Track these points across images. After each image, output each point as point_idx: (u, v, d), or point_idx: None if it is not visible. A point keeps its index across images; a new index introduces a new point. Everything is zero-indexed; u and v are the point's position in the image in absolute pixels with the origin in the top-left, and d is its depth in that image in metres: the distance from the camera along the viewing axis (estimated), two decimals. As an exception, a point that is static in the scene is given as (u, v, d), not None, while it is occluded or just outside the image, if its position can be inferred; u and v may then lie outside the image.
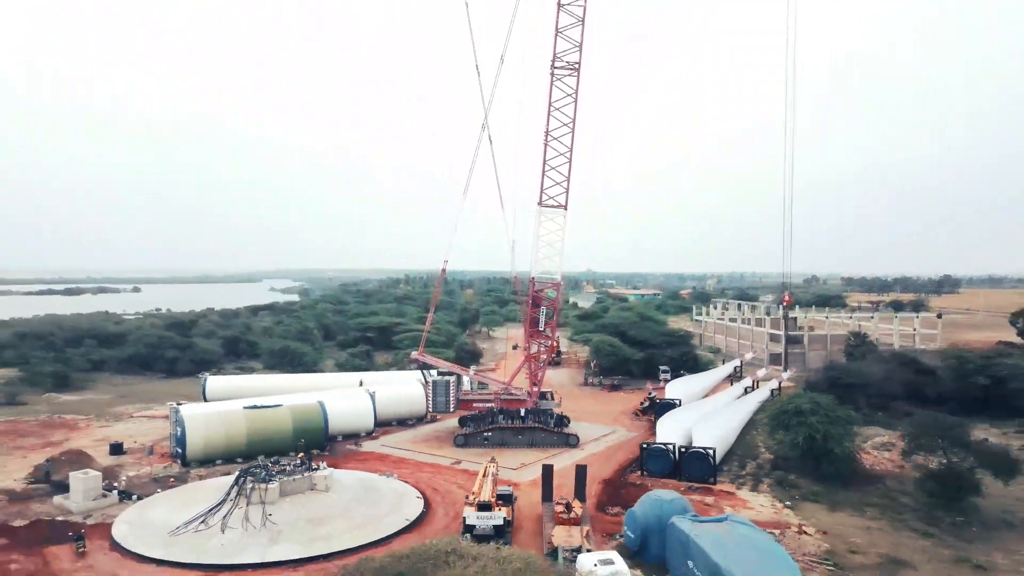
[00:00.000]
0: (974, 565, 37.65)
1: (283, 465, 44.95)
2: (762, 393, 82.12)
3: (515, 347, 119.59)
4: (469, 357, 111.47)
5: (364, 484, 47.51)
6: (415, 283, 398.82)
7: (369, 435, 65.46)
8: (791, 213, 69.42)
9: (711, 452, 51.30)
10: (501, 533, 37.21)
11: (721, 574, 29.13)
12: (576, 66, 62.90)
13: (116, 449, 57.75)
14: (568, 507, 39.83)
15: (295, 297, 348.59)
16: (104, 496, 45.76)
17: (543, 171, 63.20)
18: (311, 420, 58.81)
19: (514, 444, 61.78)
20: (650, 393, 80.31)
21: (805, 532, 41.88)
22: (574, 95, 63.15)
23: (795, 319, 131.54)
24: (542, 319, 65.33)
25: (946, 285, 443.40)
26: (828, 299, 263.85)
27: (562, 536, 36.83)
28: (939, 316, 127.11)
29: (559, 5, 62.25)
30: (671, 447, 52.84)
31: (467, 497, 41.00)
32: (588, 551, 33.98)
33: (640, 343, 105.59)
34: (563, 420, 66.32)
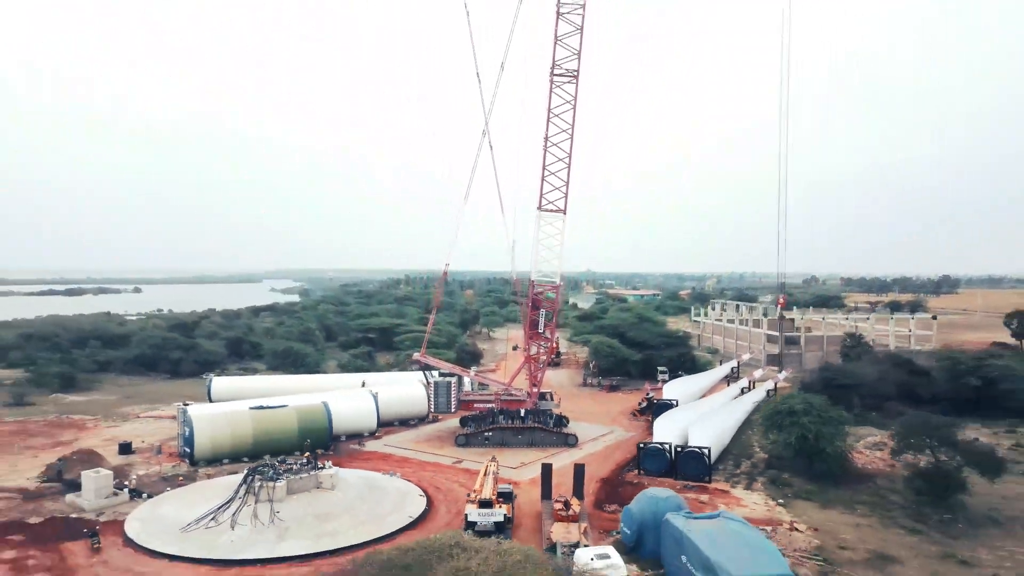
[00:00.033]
0: (959, 561, 38.90)
1: (290, 464, 46.25)
2: (758, 394, 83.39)
3: (515, 348, 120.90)
4: (470, 358, 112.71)
5: (368, 483, 48.78)
6: (415, 284, 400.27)
7: (372, 435, 66.75)
8: (786, 218, 70.97)
9: (706, 451, 52.59)
10: (502, 529, 38.48)
11: (712, 567, 30.44)
12: (575, 73, 64.21)
13: (125, 449, 59.03)
14: (567, 505, 41.10)
15: (296, 298, 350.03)
16: (115, 494, 47.04)
17: (542, 176, 64.50)
18: (316, 420, 60.12)
19: (514, 444, 63.04)
20: (648, 394, 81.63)
21: (796, 529, 43.17)
22: (573, 102, 64.46)
23: (792, 320, 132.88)
24: (541, 321, 66.62)
25: (945, 286, 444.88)
26: (827, 300, 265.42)
27: (561, 532, 38.08)
28: (934, 317, 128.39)
29: (558, 14, 63.57)
30: (667, 447, 54.12)
31: (469, 495, 42.30)
32: (586, 546, 35.27)
33: (638, 344, 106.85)
34: (562, 420, 67.58)
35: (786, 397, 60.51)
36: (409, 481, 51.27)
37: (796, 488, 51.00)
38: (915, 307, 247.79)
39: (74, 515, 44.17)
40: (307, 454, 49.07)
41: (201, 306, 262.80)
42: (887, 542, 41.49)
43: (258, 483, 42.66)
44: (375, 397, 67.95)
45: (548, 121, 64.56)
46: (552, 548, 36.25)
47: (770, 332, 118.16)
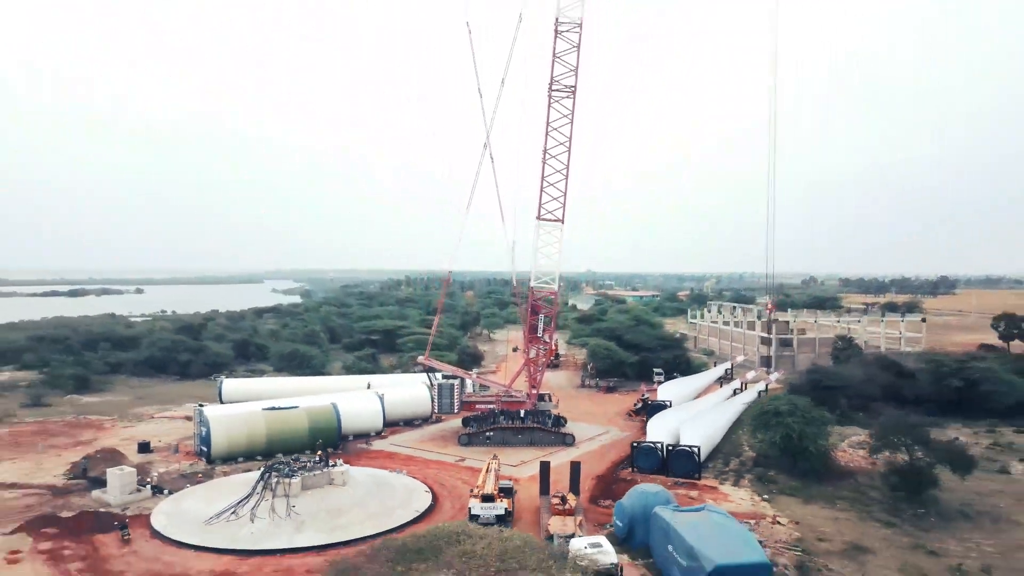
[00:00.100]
0: (928, 551, 41.86)
1: (303, 462, 49.19)
2: (750, 394, 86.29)
3: (515, 349, 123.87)
4: (471, 360, 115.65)
5: (376, 480, 51.72)
6: (416, 285, 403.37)
7: (378, 435, 69.67)
8: (774, 226, 73.66)
9: (696, 450, 55.54)
10: (503, 522, 41.41)
11: (695, 555, 33.41)
12: (572, 89, 67.11)
13: (144, 448, 61.99)
14: (563, 500, 44.07)
15: (297, 299, 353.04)
16: (138, 491, 49.94)
17: (541, 188, 67.40)
18: (326, 421, 63.07)
19: (514, 443, 65.93)
20: (643, 395, 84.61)
21: (779, 522, 46.13)
22: (571, 116, 67.36)
23: (787, 322, 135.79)
24: (540, 326, 69.54)
25: (942, 286, 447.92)
26: (823, 301, 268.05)
27: (557, 525, 40.97)
28: (923, 320, 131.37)
29: (556, 32, 66.46)
30: (659, 446, 57.05)
31: (472, 490, 45.29)
32: (580, 537, 38.19)
33: (635, 346, 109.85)
34: (560, 420, 70.49)
35: (772, 398, 63.51)
36: (415, 478, 54.20)
37: (781, 485, 53.92)
38: (911, 308, 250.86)
39: (102, 510, 47.09)
40: (319, 452, 51.99)
41: (204, 307, 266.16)
42: (863, 534, 44.44)
43: (275, 479, 45.57)
44: (381, 398, 70.88)
45: (547, 135, 67.46)
46: (549, 539, 39.14)
47: (763, 334, 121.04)
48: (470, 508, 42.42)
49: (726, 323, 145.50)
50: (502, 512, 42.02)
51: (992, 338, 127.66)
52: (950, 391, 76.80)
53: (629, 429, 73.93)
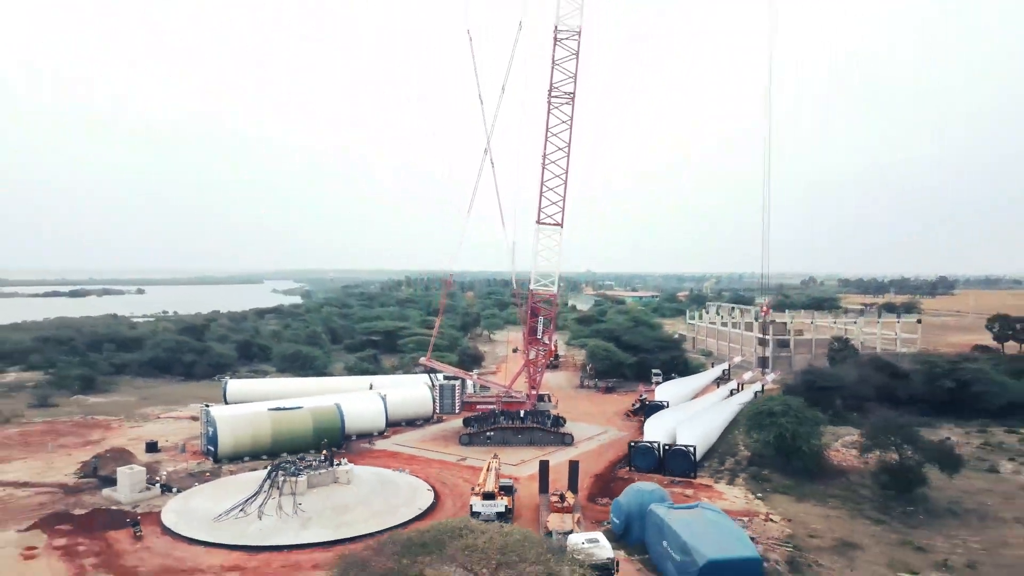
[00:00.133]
0: (915, 547, 43.19)
1: (309, 461, 50.53)
2: (746, 395, 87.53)
3: (515, 350, 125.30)
4: (471, 361, 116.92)
5: (380, 478, 53.04)
6: (416, 285, 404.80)
7: (381, 434, 70.98)
8: (769, 232, 74.89)
9: (692, 449, 56.86)
10: (503, 519, 42.68)
11: (688, 550, 34.76)
12: (571, 95, 68.45)
13: (151, 447, 63.26)
14: (562, 497, 45.41)
15: (298, 299, 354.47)
16: (148, 489, 51.27)
17: (541, 192, 68.73)
18: (329, 421, 64.39)
19: (514, 443, 67.23)
20: (641, 395, 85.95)
21: (771, 519, 47.44)
22: (569, 122, 68.72)
23: (784, 323, 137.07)
24: (540, 328, 70.86)
25: (941, 286, 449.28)
26: (822, 301, 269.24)
27: (556, 522, 42.28)
28: (918, 321, 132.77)
29: (555, 40, 67.79)
30: (656, 445, 58.36)
31: (473, 488, 46.65)
32: (578, 534, 39.52)
33: (633, 348, 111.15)
34: (559, 421, 71.82)
35: (767, 399, 64.81)
36: (418, 477, 55.54)
37: (774, 483, 55.24)
38: (909, 309, 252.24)
39: (113, 508, 48.41)
40: (324, 452, 53.32)
41: (205, 308, 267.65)
42: (853, 531, 45.79)
43: (281, 478, 46.89)
44: (384, 399, 72.20)
45: (546, 140, 68.80)
46: (548, 535, 40.43)
47: (760, 335, 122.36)
48: (471, 505, 43.73)
49: (724, 324, 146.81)
50: (502, 509, 43.32)
51: (987, 339, 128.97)
52: (943, 392, 78.07)
53: (627, 429, 75.21)
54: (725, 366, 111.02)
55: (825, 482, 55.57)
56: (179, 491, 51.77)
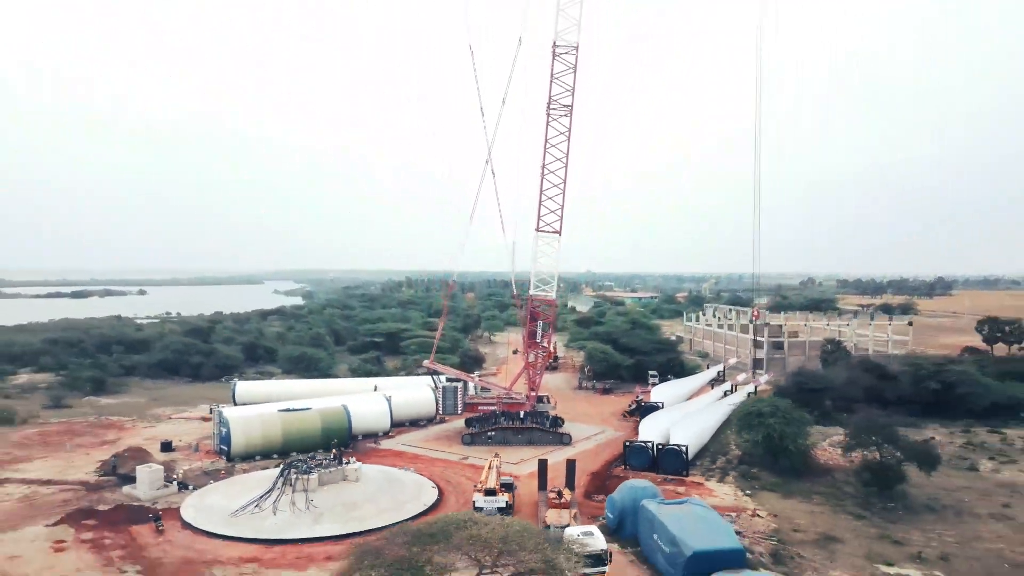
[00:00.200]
0: (893, 541, 45.84)
1: (319, 459, 53.17)
2: (739, 396, 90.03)
3: (515, 352, 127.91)
4: (472, 362, 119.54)
5: (387, 476, 55.68)
6: (417, 286, 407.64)
7: (386, 434, 73.60)
8: (759, 237, 77.52)
9: (684, 449, 59.49)
10: (504, 514, 45.30)
11: (676, 542, 37.39)
12: (569, 108, 71.03)
13: (166, 447, 65.92)
14: (560, 494, 48.12)
15: (299, 300, 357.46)
16: (166, 486, 53.89)
17: (540, 201, 71.34)
18: (337, 421, 67.03)
19: (515, 442, 69.82)
20: (638, 396, 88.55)
21: (758, 515, 50.09)
22: (567, 133, 71.30)
23: (780, 325, 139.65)
24: (539, 332, 73.48)
25: (939, 287, 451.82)
26: (820, 302, 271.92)
27: (554, 517, 44.88)
28: (910, 323, 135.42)
29: (554, 55, 70.37)
30: (650, 444, 60.99)
31: (476, 485, 49.34)
32: (574, 527, 42.14)
33: (630, 350, 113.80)
34: (558, 421, 74.44)
35: (756, 401, 67.43)
36: (422, 475, 58.17)
37: (763, 481, 57.88)
38: (906, 310, 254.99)
39: (134, 504, 51.03)
40: (334, 451, 55.98)
41: (208, 309, 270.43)
42: (835, 526, 48.46)
43: (294, 476, 49.54)
44: (389, 400, 74.83)
45: (545, 151, 71.37)
46: (546, 529, 43.06)
47: (756, 337, 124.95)
48: (474, 501, 46.37)
49: (720, 326, 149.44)
50: (503, 505, 45.95)
51: (979, 341, 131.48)
52: (928, 393, 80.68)
53: (623, 429, 77.80)
54: (720, 367, 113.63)
55: (811, 480, 58.21)
56: (195, 488, 54.39)
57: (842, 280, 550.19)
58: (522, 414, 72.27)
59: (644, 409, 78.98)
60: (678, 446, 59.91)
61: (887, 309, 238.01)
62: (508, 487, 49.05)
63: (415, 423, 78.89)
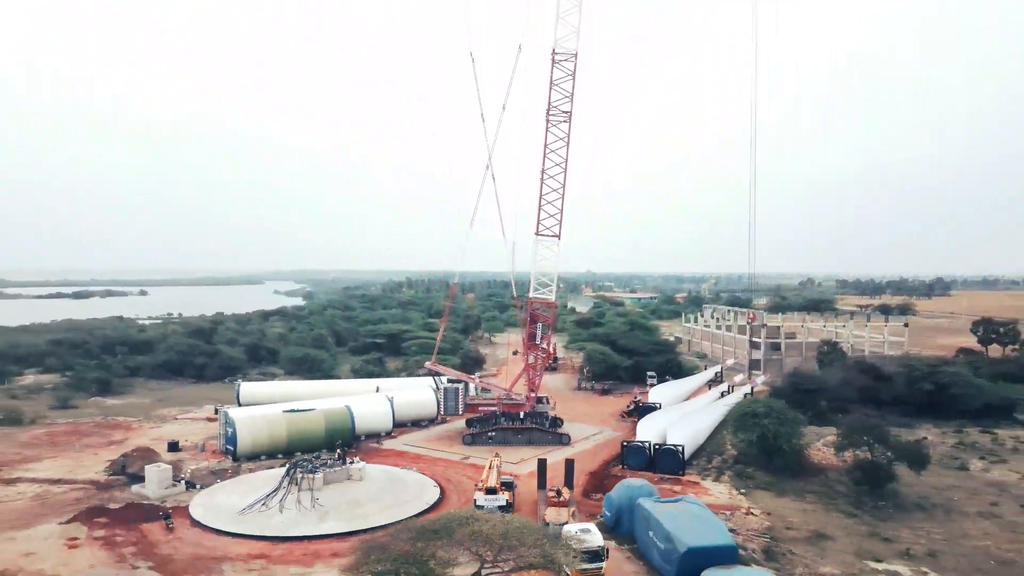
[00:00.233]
0: (882, 538, 47.16)
1: (324, 459, 54.48)
2: (736, 397, 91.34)
3: (515, 353, 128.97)
4: (472, 363, 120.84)
5: (389, 475, 56.97)
6: (418, 287, 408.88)
7: (388, 435, 74.90)
8: (755, 239, 78.87)
9: (680, 448, 60.80)
10: (505, 512, 46.57)
11: (671, 538, 38.72)
12: (568, 114, 72.33)
13: (173, 447, 67.22)
14: (558, 493, 49.44)
15: (300, 300, 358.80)
16: (174, 485, 55.18)
17: (539, 206, 72.61)
18: (341, 422, 68.34)
19: (515, 442, 71.13)
20: (636, 397, 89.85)
21: (752, 513, 51.40)
22: (566, 139, 72.60)
23: (777, 327, 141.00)
24: (538, 334, 74.78)
25: (937, 288, 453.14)
26: (818, 303, 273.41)
27: (553, 515, 46.20)
28: (905, 324, 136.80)
29: (553, 62, 71.68)
30: (647, 444, 62.30)
31: (477, 484, 50.62)
32: (572, 524, 43.46)
33: (629, 351, 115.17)
34: (557, 421, 75.75)
35: (752, 401, 68.74)
36: (424, 474, 59.46)
37: (757, 480, 59.17)
38: (904, 310, 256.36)
39: (144, 502, 52.33)
40: (339, 451, 57.31)
41: (209, 309, 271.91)
42: (827, 524, 49.76)
43: (300, 475, 50.85)
44: (391, 401, 76.14)
45: (544, 156, 72.66)
46: (546, 526, 44.40)
47: (754, 339, 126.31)
48: (475, 499, 47.68)
49: (718, 327, 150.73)
50: (504, 503, 47.25)
51: (975, 342, 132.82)
52: (922, 394, 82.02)
53: (621, 429, 79.08)
54: (717, 368, 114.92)
55: (804, 479, 59.51)
56: (202, 487, 55.68)
57: (841, 280, 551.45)
58: (522, 415, 73.57)
59: (642, 410, 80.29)
60: (674, 446, 61.21)
61: (885, 310, 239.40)
62: (508, 486, 50.39)
63: (417, 423, 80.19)
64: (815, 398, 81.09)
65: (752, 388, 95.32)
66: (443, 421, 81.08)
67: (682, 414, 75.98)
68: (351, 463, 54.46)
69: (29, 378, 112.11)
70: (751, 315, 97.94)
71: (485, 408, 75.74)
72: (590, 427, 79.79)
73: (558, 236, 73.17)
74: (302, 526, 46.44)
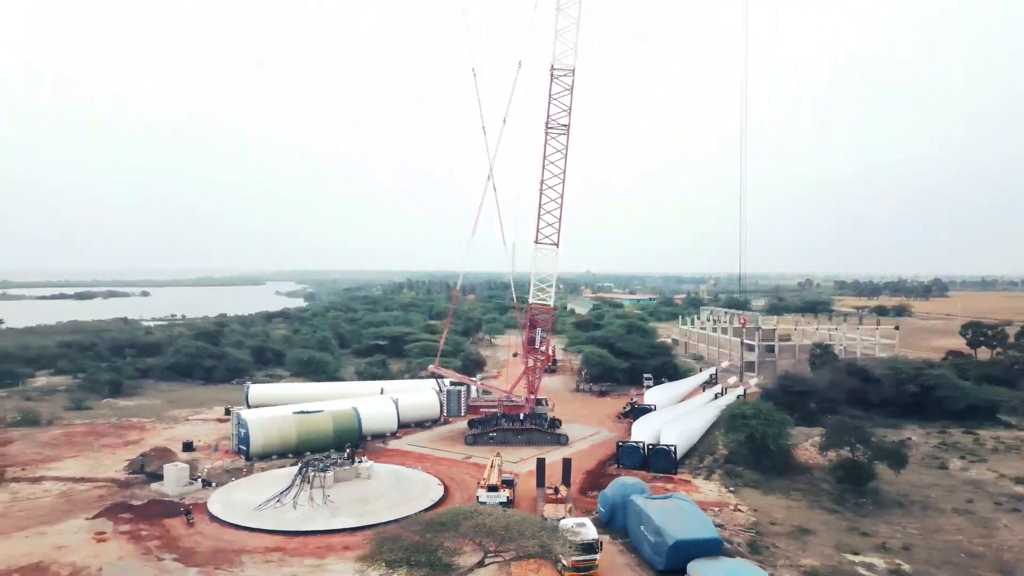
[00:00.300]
0: (861, 533, 50.09)
1: (334, 458, 57.42)
2: (729, 398, 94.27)
3: (515, 355, 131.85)
4: (474, 365, 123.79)
5: (396, 474, 59.88)
6: (419, 288, 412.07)
7: (393, 435, 77.84)
8: (745, 241, 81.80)
9: (672, 448, 63.75)
10: (506, 508, 49.55)
11: (660, 532, 41.68)
12: (566, 127, 75.23)
13: (187, 447, 70.12)
14: (556, 490, 52.46)
15: (302, 301, 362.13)
16: (191, 483, 58.14)
17: (539, 215, 75.54)
18: (348, 423, 71.27)
19: (515, 443, 74.02)
20: (632, 399, 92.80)
21: (739, 509, 54.35)
22: (565, 151, 75.49)
23: (773, 330, 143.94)
24: (538, 338, 77.70)
25: (935, 288, 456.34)
26: (816, 304, 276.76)
27: (551, 511, 49.11)
28: (896, 327, 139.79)
29: (551, 77, 74.58)
30: (641, 445, 65.24)
31: (479, 482, 53.56)
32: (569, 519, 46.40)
33: (626, 354, 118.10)
34: (556, 422, 78.67)
35: (742, 403, 71.70)
36: (429, 473, 62.40)
37: (746, 479, 62.09)
38: (900, 312, 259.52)
39: (164, 499, 55.27)
40: (348, 450, 60.28)
41: (212, 310, 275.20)
42: (809, 519, 52.71)
43: (311, 473, 53.78)
44: (396, 403, 79.08)
45: (543, 168, 75.56)
46: (544, 521, 47.38)
47: (747, 341, 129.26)
48: (477, 496, 50.65)
49: (714, 329, 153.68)
50: (504, 500, 50.20)
51: (963, 344, 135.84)
52: (908, 396, 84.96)
53: (618, 430, 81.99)
54: (712, 370, 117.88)
55: (791, 477, 62.47)
56: (218, 485, 58.57)
57: (840, 281, 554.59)
58: (522, 416, 76.44)
59: (638, 411, 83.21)
60: (667, 446, 64.16)
61: (882, 311, 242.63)
62: (509, 484, 53.38)
63: (420, 424, 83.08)
64: (804, 400, 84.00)
65: (745, 390, 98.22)
66: (446, 422, 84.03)
67: (676, 415, 78.91)
68: (360, 462, 57.36)
69: (42, 380, 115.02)
70: (742, 320, 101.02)
71: (486, 410, 78.58)
72: (587, 428, 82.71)
73: (557, 244, 76.07)
74: (315, 521, 49.37)
